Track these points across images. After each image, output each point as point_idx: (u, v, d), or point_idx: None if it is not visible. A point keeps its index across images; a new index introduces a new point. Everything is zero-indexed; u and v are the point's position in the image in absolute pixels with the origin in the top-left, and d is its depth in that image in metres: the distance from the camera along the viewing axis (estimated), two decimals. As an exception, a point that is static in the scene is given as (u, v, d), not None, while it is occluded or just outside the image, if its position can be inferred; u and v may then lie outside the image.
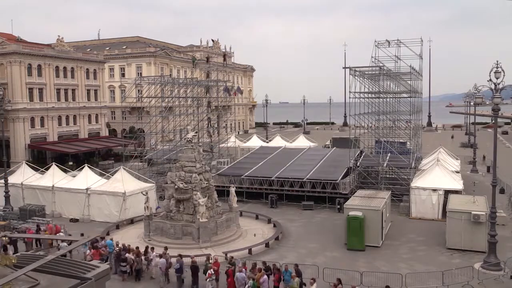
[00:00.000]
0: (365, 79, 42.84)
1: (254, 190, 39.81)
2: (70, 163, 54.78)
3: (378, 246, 27.39)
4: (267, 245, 27.79)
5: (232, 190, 31.57)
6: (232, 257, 22.91)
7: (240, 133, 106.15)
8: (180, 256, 22.57)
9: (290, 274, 20.41)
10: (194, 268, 21.67)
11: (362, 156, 42.75)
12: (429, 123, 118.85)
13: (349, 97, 40.77)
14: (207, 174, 30.33)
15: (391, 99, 45.74)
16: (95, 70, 72.00)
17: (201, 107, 55.54)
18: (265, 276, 20.18)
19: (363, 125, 43.57)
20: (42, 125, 62.53)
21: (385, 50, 42.60)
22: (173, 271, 22.31)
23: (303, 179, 38.45)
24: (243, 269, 20.83)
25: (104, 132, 74.17)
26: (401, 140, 48.88)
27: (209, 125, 57.60)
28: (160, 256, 22.96)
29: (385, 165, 40.11)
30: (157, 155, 50.33)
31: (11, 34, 69.05)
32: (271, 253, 26.79)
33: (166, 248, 23.88)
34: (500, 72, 22.86)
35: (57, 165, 39.76)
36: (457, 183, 34.62)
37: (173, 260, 22.71)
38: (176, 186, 28.78)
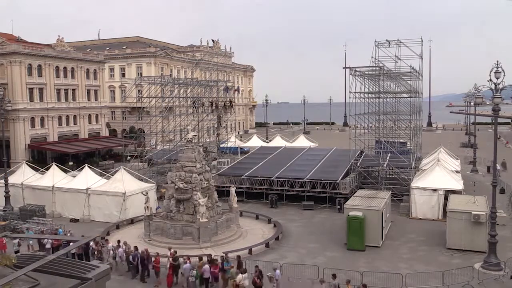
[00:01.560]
0: (365, 79, 42.85)
1: (254, 190, 39.82)
2: (70, 163, 54.75)
3: (378, 246, 27.39)
4: (267, 245, 27.79)
5: (232, 190, 31.58)
6: (175, 252, 23.69)
7: (240, 133, 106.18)
8: (136, 248, 24.34)
9: (228, 265, 22.15)
10: (143, 260, 23.37)
11: (362, 156, 42.74)
12: (429, 123, 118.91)
13: (349, 97, 40.83)
14: (207, 174, 30.32)
15: (391, 99, 45.73)
16: (95, 70, 72.01)
17: (201, 107, 55.50)
18: (206, 265, 21.88)
19: (363, 125, 43.60)
20: (42, 125, 62.52)
21: (385, 50, 42.60)
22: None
23: (303, 179, 38.44)
24: (188, 261, 22.41)
25: (104, 132, 74.16)
26: (401, 140, 48.87)
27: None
28: (118, 247, 24.99)
29: (385, 165, 40.11)
30: (157, 155, 50.33)
31: (11, 34, 68.99)
32: (271, 253, 26.81)
33: (125, 243, 25.39)
34: (500, 72, 22.86)
35: (57, 165, 39.76)
36: (457, 183, 34.62)
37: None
38: (176, 186, 28.79)
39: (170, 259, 22.79)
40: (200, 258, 22.69)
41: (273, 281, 20.59)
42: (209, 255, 23.87)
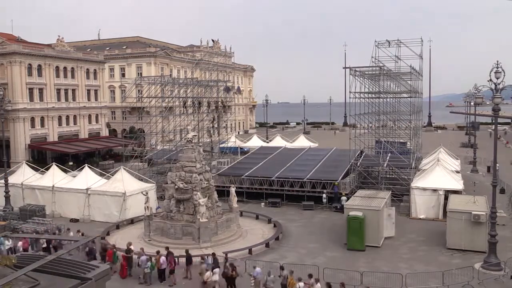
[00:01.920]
0: (365, 79, 42.83)
1: (254, 190, 39.82)
2: (70, 163, 54.75)
3: (378, 246, 27.39)
4: (267, 245, 27.79)
5: (232, 190, 31.57)
6: (129, 244, 24.46)
7: (240, 133, 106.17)
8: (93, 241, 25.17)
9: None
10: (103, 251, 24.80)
11: (362, 156, 42.75)
12: (429, 123, 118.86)
13: (349, 97, 40.81)
14: (207, 174, 30.32)
15: (391, 99, 45.72)
16: (95, 70, 72.01)
17: (201, 107, 55.55)
18: (163, 257, 22.79)
19: (363, 125, 43.54)
20: (42, 125, 62.52)
21: (385, 50, 42.58)
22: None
23: (303, 179, 38.44)
24: (143, 253, 23.49)
25: (104, 132, 74.17)
26: (401, 140, 48.87)
27: (213, 125, 57.58)
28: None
29: (385, 165, 40.10)
30: (157, 155, 50.31)
31: (11, 34, 69.00)
32: (271, 253, 26.80)
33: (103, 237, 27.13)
34: (500, 72, 22.86)
35: (57, 165, 39.73)
36: (457, 183, 34.61)
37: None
38: (176, 186, 28.78)
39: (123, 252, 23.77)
40: (158, 252, 23.45)
41: (251, 278, 21.09)
42: (167, 247, 24.42)
